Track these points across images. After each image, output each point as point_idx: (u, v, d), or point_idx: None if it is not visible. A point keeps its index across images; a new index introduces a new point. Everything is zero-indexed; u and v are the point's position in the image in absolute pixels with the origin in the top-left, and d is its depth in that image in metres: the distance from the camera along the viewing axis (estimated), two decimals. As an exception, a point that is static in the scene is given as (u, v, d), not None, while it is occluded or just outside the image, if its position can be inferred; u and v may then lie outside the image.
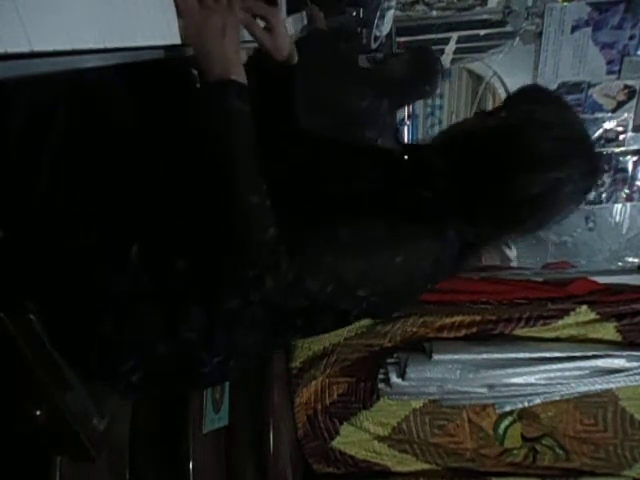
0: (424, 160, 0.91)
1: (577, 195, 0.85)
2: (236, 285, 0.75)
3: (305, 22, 1.94)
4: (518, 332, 1.61)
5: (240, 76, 0.71)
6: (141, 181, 0.79)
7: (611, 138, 3.70)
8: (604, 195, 3.88)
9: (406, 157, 0.93)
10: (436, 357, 1.52)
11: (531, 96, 0.91)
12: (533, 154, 0.80)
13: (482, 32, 3.48)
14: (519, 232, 0.91)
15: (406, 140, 3.66)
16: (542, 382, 1.55)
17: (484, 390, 1.56)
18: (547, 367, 1.54)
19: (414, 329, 1.63)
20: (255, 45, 0.88)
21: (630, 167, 3.82)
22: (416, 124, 4.13)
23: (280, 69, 0.88)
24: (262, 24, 0.86)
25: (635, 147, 3.75)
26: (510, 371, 1.53)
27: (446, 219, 0.82)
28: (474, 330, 1.62)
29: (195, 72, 1.09)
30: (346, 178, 0.86)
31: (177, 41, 0.69)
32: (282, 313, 0.82)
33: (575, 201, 0.86)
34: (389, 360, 1.59)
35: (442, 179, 0.85)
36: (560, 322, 1.60)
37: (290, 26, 1.55)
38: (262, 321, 0.82)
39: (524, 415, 1.65)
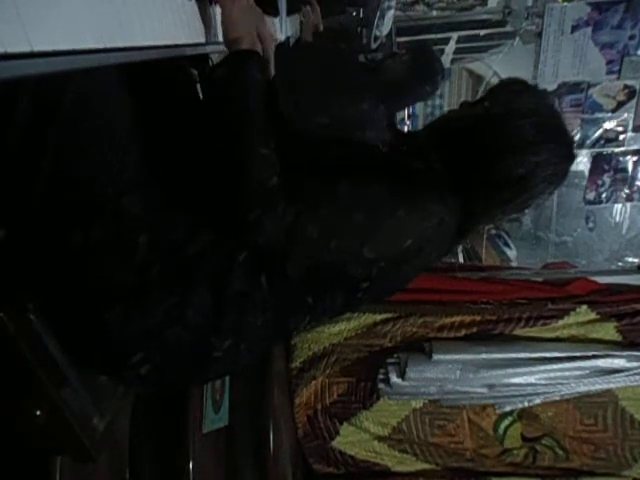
0: (416, 145, 0.99)
1: (556, 177, 0.93)
2: (238, 231, 0.79)
3: (304, 23, 1.94)
4: (518, 332, 1.61)
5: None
6: (143, 176, 0.80)
7: (611, 138, 3.70)
8: (604, 195, 3.87)
9: (402, 147, 1.01)
10: (436, 357, 1.52)
11: (510, 87, 1.00)
12: (514, 140, 0.90)
13: (482, 32, 3.48)
14: (506, 212, 0.98)
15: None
16: (542, 382, 1.55)
17: (484, 390, 1.56)
18: (547, 367, 1.54)
19: (414, 329, 1.63)
20: None
21: (630, 167, 3.81)
22: (416, 124, 4.13)
23: None
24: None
25: (635, 147, 3.74)
26: (510, 371, 1.53)
27: (444, 184, 0.89)
28: (474, 330, 1.62)
29: (195, 72, 1.09)
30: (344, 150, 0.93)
31: (177, 41, 0.69)
32: (291, 289, 0.83)
33: (554, 183, 0.94)
34: (389, 360, 1.59)
35: (434, 161, 0.92)
36: (560, 322, 1.60)
37: (289, 28, 1.55)
38: (271, 301, 0.83)
39: (524, 415, 1.65)
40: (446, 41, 3.50)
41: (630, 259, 3.93)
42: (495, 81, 3.63)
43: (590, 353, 1.54)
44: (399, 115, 3.20)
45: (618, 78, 3.48)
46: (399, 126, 3.31)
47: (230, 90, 0.79)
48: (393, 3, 2.62)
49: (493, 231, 3.66)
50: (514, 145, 0.89)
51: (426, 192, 0.86)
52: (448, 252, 1.00)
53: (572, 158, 0.95)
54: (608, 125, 3.66)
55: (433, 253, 0.93)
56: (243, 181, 0.77)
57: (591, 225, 3.96)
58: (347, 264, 0.83)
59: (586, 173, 3.77)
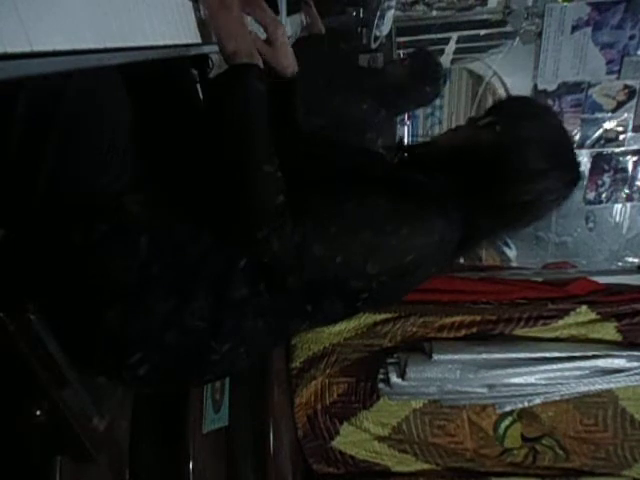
0: (419, 160, 1.00)
1: (559, 201, 0.96)
2: (246, 247, 0.79)
3: (304, 23, 1.94)
4: (518, 332, 1.61)
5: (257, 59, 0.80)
6: (143, 176, 0.80)
7: (611, 138, 3.70)
8: (604, 195, 3.87)
9: (406, 155, 1.02)
10: (436, 357, 1.52)
11: (518, 110, 1.00)
12: (521, 169, 0.91)
13: (482, 32, 3.49)
14: (510, 231, 1.01)
15: (406, 141, 3.66)
16: (542, 382, 1.55)
17: (484, 390, 1.56)
18: (547, 367, 1.54)
19: (414, 329, 1.63)
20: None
21: (630, 167, 3.81)
22: (416, 124, 4.13)
23: (279, 79, 0.94)
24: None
25: (635, 147, 3.74)
26: (510, 371, 1.53)
27: (447, 199, 0.89)
28: (474, 330, 1.62)
29: (195, 72, 1.09)
30: (347, 163, 0.93)
31: (177, 41, 0.69)
32: (290, 298, 0.83)
33: (558, 205, 0.96)
34: (389, 360, 1.59)
35: (437, 177, 0.92)
36: (560, 322, 1.61)
37: (289, 28, 1.55)
38: (270, 307, 0.83)
39: (524, 415, 1.65)
40: (446, 41, 3.50)
41: (630, 259, 3.93)
42: (495, 81, 3.63)
43: (590, 353, 1.54)
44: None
45: (618, 78, 3.48)
46: (399, 126, 3.31)
47: (230, 108, 0.77)
48: (393, 3, 2.62)
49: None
50: (521, 174, 0.91)
51: (430, 208, 0.86)
52: (448, 265, 1.01)
53: (577, 182, 0.97)
54: (608, 125, 3.66)
55: (433, 267, 0.93)
56: (248, 200, 0.76)
57: (591, 225, 3.96)
58: (349, 278, 0.83)
59: (586, 173, 3.77)
